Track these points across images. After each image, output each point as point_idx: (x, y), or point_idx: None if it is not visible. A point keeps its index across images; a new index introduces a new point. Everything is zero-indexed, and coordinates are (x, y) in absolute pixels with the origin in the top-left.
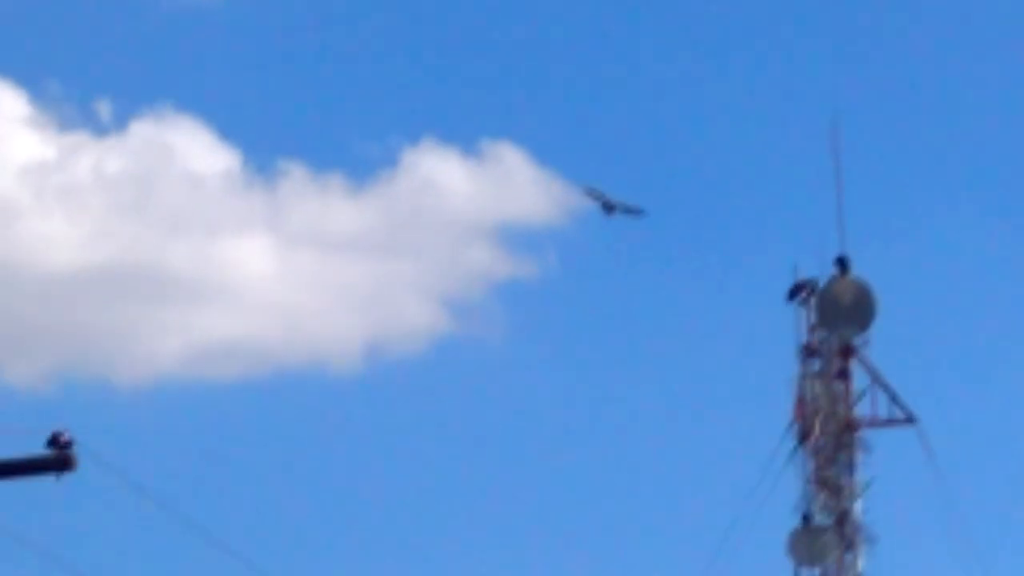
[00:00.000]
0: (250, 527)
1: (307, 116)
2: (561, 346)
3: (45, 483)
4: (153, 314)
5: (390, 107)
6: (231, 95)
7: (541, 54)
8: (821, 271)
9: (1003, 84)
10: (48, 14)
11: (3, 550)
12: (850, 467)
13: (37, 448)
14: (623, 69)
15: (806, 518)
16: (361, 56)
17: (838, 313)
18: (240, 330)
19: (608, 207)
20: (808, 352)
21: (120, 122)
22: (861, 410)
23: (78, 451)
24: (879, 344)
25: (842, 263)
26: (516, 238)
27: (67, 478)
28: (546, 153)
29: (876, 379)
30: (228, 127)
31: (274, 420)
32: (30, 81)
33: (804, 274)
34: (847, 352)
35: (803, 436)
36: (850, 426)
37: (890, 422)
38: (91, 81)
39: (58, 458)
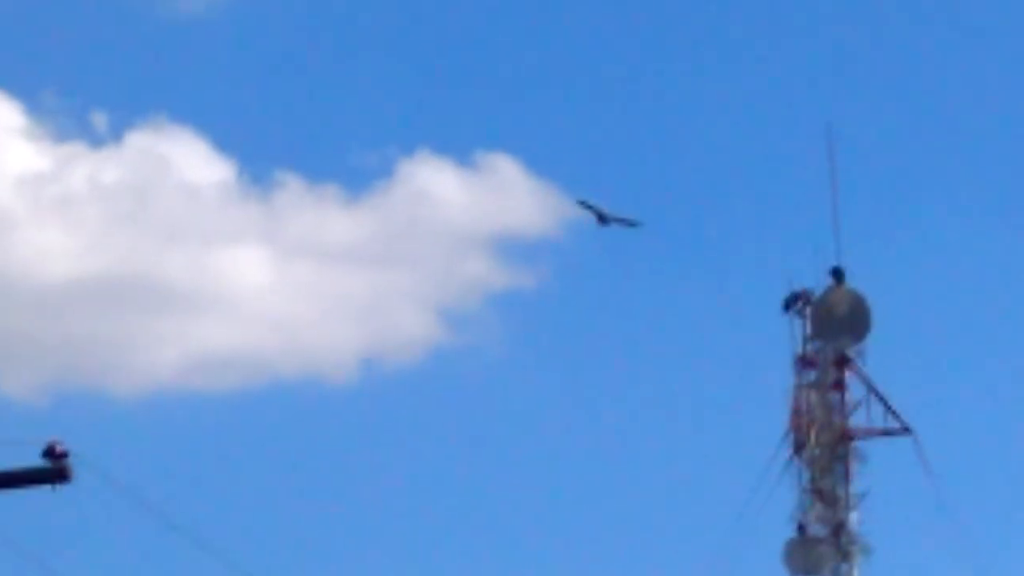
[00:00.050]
0: (247, 537)
1: (303, 127)
2: (557, 356)
3: (41, 494)
4: (149, 325)
5: (386, 118)
6: (227, 106)
7: (537, 65)
8: (816, 282)
9: (1001, 93)
10: (44, 25)
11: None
12: (846, 478)
13: (33, 459)
14: (618, 79)
15: (801, 529)
16: (357, 67)
17: (833, 324)
18: (236, 341)
19: (603, 219)
20: (803, 363)
21: (116, 133)
22: (856, 421)
23: (74, 462)
24: (875, 355)
25: (837, 274)
26: (512, 249)
27: (63, 489)
28: (541, 164)
29: (872, 390)
30: (224, 138)
31: (270, 431)
32: (26, 92)
33: (799, 285)
34: (842, 363)
35: (798, 447)
36: (845, 437)
37: (886, 432)
38: (87, 92)
39: (54, 469)
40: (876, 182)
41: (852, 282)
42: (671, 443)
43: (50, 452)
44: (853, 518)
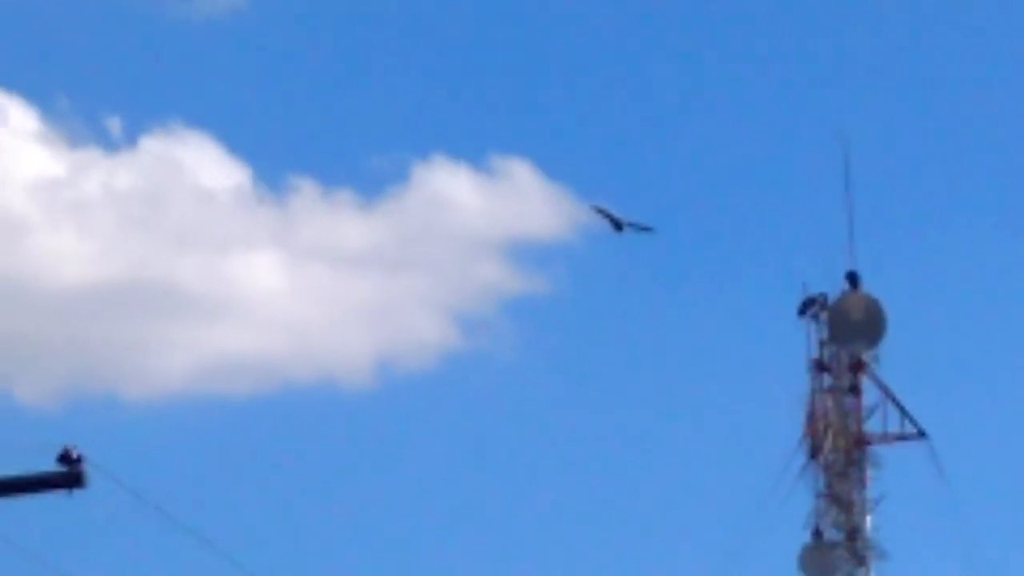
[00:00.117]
0: (260, 543)
1: (317, 131)
2: (571, 361)
3: (55, 499)
4: (163, 330)
5: (400, 122)
6: (241, 111)
7: (552, 69)
8: (831, 286)
9: (1016, 99)
10: (57, 30)
11: (14, 566)
12: (861, 483)
13: (46, 464)
14: (633, 85)
15: (817, 534)
16: (371, 71)
17: (848, 328)
18: (250, 345)
19: (617, 225)
20: (819, 368)
21: (130, 138)
22: (872, 426)
23: (88, 467)
24: (890, 359)
25: (852, 278)
26: (526, 253)
27: (77, 494)
28: (556, 168)
29: (887, 394)
30: (238, 143)
31: (284, 436)
32: (40, 97)
33: (814, 289)
34: (858, 367)
35: (814, 452)
36: (861, 442)
37: (901, 437)
38: (101, 97)
39: (68, 474)
40: (890, 186)
41: (867, 286)
42: (685, 448)
43: (65, 457)
44: (868, 523)
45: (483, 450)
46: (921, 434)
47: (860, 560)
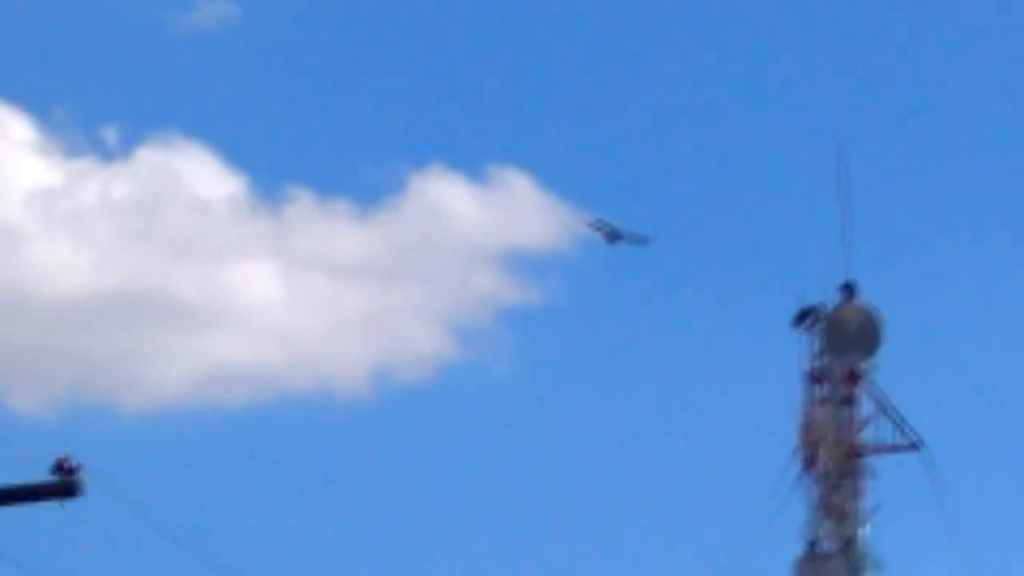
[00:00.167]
0: (257, 552)
1: (313, 141)
2: (567, 372)
3: (50, 509)
4: (159, 340)
5: (397, 132)
6: (237, 121)
7: (548, 80)
8: (827, 297)
9: (1013, 108)
10: (54, 40)
11: None
12: (856, 493)
13: (42, 474)
14: (629, 95)
15: (812, 544)
16: (367, 81)
17: (844, 339)
18: (247, 356)
19: (613, 237)
20: (814, 378)
21: (126, 148)
22: (867, 436)
23: (84, 477)
24: (885, 370)
25: (848, 289)
26: (523, 264)
27: (73, 504)
28: (553, 179)
29: (882, 405)
30: (234, 153)
31: (281, 446)
32: (37, 107)
33: (810, 300)
34: (853, 378)
35: (809, 462)
36: (856, 452)
37: (896, 448)
38: (97, 107)
39: (64, 484)
40: (886, 197)
41: (862, 297)
42: (681, 459)
43: (60, 467)
44: (863, 533)
45: (479, 459)
46: (916, 445)
47: (855, 571)
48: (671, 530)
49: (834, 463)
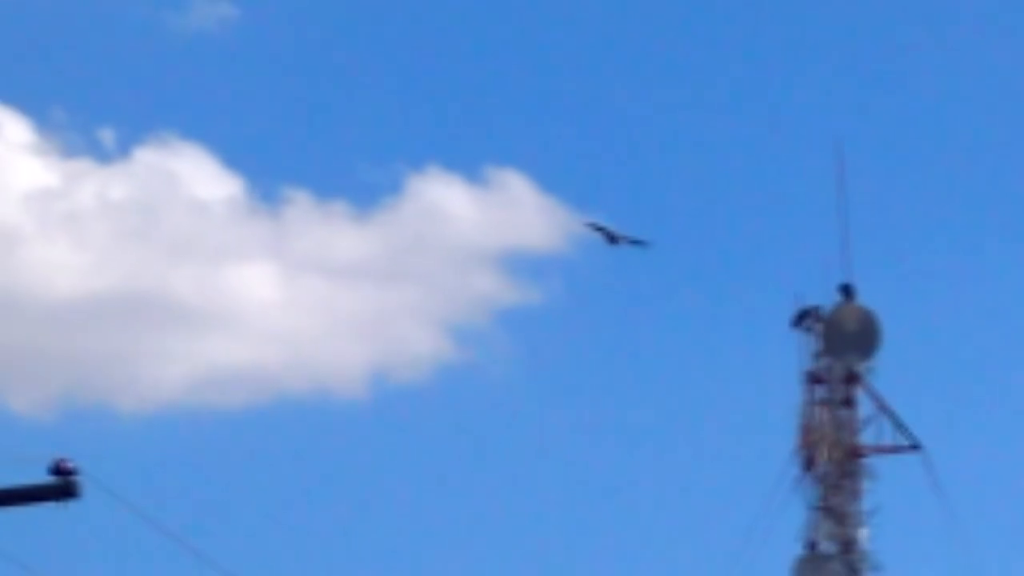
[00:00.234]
0: (254, 553)
1: (311, 143)
2: (565, 373)
3: (48, 511)
4: (157, 341)
5: (394, 134)
6: (235, 122)
7: (546, 81)
8: (826, 298)
9: (1009, 111)
10: (52, 41)
11: None
12: (855, 495)
13: (40, 475)
14: (627, 97)
15: (811, 546)
16: (366, 83)
17: (843, 340)
18: (244, 357)
19: (612, 240)
20: (813, 379)
21: (124, 149)
22: (866, 437)
23: (81, 479)
24: (884, 371)
25: (847, 290)
26: (520, 265)
27: (70, 506)
28: (551, 180)
29: (881, 406)
30: (232, 154)
31: (278, 447)
32: (34, 108)
33: (809, 301)
34: (852, 379)
35: (808, 463)
36: (855, 453)
37: (895, 449)
38: (95, 108)
39: (61, 486)
40: (885, 198)
41: (861, 298)
42: (680, 460)
43: (57, 468)
44: (862, 535)
45: (477, 461)
46: (915, 446)
47: (855, 573)
48: (671, 531)
49: (833, 464)
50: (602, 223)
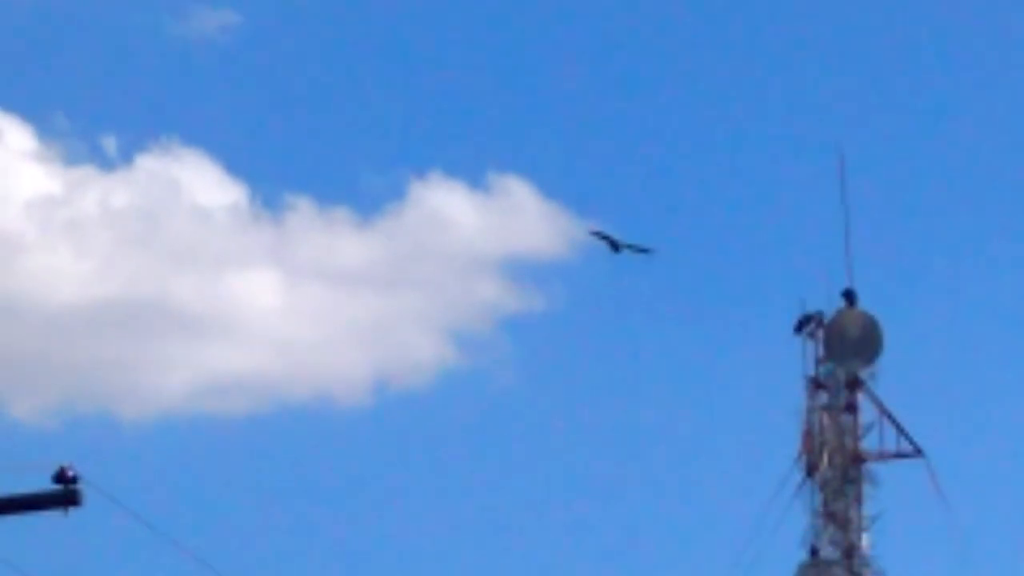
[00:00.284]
0: (257, 562)
1: (314, 150)
2: (568, 380)
3: (51, 518)
4: (159, 348)
5: (397, 140)
6: (237, 129)
7: (549, 88)
8: (828, 304)
9: (1013, 116)
10: (54, 49)
11: None
12: (858, 500)
13: (42, 483)
14: (629, 102)
15: (814, 551)
16: (368, 89)
17: (845, 346)
18: (246, 364)
19: (616, 248)
20: (815, 385)
21: (126, 156)
22: (869, 443)
23: (84, 486)
24: (887, 377)
25: (849, 296)
26: (523, 271)
27: (73, 513)
28: (553, 187)
29: (884, 412)
30: (234, 161)
31: (281, 454)
32: (36, 115)
33: (811, 307)
34: (854, 385)
35: (810, 469)
36: (857, 459)
37: (898, 455)
38: (97, 115)
39: (64, 493)
40: (887, 204)
41: (864, 304)
42: (682, 466)
43: (60, 476)
44: (865, 541)
45: (479, 467)
46: (918, 452)
47: None
48: (674, 537)
49: (836, 470)
50: (606, 231)
